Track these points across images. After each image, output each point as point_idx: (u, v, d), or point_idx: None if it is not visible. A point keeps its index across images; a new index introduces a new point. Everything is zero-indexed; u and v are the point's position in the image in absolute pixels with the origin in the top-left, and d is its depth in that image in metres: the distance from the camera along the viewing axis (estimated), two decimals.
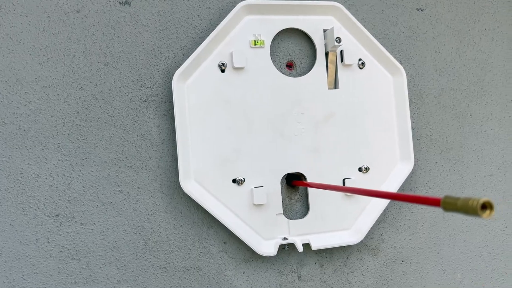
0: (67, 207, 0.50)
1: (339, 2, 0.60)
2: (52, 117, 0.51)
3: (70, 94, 0.51)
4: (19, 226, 0.49)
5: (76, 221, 0.51)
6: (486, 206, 0.26)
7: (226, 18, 0.54)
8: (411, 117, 0.63)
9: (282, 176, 0.56)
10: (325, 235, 0.57)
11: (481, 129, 0.66)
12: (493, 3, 0.68)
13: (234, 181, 0.54)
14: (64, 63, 0.51)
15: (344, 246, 0.59)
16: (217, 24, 0.55)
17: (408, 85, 0.63)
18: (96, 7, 0.52)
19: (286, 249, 0.56)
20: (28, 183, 0.49)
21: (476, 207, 0.25)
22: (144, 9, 0.54)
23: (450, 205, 0.27)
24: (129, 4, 0.53)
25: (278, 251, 0.55)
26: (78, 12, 0.52)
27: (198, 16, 0.56)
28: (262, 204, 0.55)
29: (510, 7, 0.68)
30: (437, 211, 0.63)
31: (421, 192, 0.63)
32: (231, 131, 0.55)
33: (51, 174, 0.50)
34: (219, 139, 0.54)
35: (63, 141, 0.51)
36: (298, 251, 0.55)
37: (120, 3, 0.53)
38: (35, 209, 0.50)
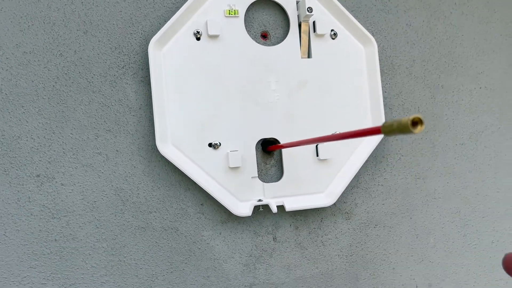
0: (47, 168, 0.52)
1: None
2: (32, 81, 0.53)
3: (50, 60, 0.53)
4: (0, 186, 0.51)
5: (56, 182, 0.53)
6: (417, 122, 0.28)
7: None
8: (383, 87, 0.65)
9: (257, 141, 0.58)
10: (299, 198, 0.59)
11: (452, 100, 0.68)
12: None
13: (210, 145, 0.57)
14: (44, 30, 0.53)
15: (318, 210, 0.61)
16: None
17: (380, 56, 0.65)
18: None
19: (261, 209, 0.58)
20: (9, 145, 0.51)
21: (407, 124, 0.27)
22: None
23: (388, 128, 0.29)
24: None
25: (253, 212, 0.57)
26: None
27: None
28: (237, 167, 0.57)
29: None
30: (409, 177, 0.65)
31: (394, 159, 0.65)
32: (207, 97, 0.57)
33: (32, 136, 0.52)
34: (195, 105, 0.56)
35: (44, 104, 0.53)
36: (273, 212, 0.57)
37: None
38: (17, 170, 0.51)
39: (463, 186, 0.68)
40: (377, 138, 0.62)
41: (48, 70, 0.53)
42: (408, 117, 0.28)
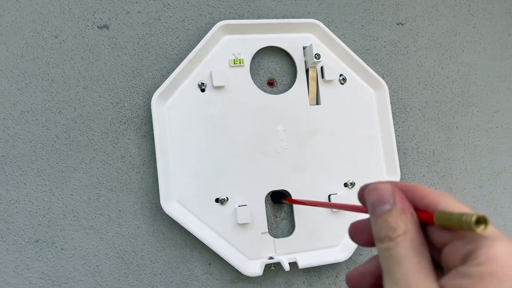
0: (47, 232, 0.50)
1: (318, 19, 0.60)
2: (31, 141, 0.50)
3: (49, 118, 0.51)
4: None
5: (56, 246, 0.50)
6: (481, 221, 0.24)
7: (204, 38, 0.54)
8: (396, 130, 0.62)
9: (266, 194, 0.55)
10: (312, 253, 0.56)
11: (468, 141, 0.66)
12: (473, 16, 0.68)
13: (217, 200, 0.54)
14: (42, 88, 0.51)
15: (332, 264, 0.58)
16: (196, 45, 0.55)
17: (392, 99, 0.63)
18: (74, 32, 0.53)
19: (273, 268, 0.55)
20: (6, 209, 0.49)
21: (471, 222, 0.24)
22: (122, 33, 0.54)
23: (444, 221, 0.26)
24: (107, 27, 0.54)
25: (264, 271, 0.54)
26: (56, 37, 0.52)
27: (177, 37, 0.56)
28: (246, 223, 0.54)
29: (490, 19, 0.69)
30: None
31: None
32: (213, 150, 0.54)
33: (30, 199, 0.50)
34: (200, 159, 0.54)
35: (43, 165, 0.50)
36: (285, 270, 0.54)
37: (98, 27, 0.54)
38: (14, 235, 0.49)
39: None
40: None
41: (47, 129, 0.51)
42: (468, 214, 0.24)
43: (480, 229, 0.24)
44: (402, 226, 0.23)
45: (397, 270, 0.23)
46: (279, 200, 0.57)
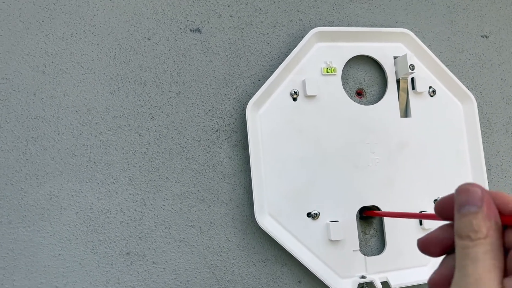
0: (138, 245, 0.47)
1: (406, 28, 0.58)
2: (123, 148, 0.48)
3: (141, 124, 0.49)
4: (88, 266, 0.46)
5: (147, 260, 0.47)
6: None
7: (298, 45, 0.52)
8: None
9: (357, 209, 0.53)
10: (403, 272, 0.54)
11: None
12: None
13: (308, 215, 0.51)
14: (135, 92, 0.49)
15: (422, 284, 0.55)
16: (287, 52, 0.53)
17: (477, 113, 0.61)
18: (167, 35, 0.51)
19: (365, 287, 0.53)
20: (98, 219, 0.46)
21: None
22: (214, 37, 0.52)
23: None
24: (199, 31, 0.52)
25: None
26: (149, 39, 0.50)
27: (268, 44, 0.54)
28: (338, 240, 0.52)
29: None
30: None
31: None
32: (304, 162, 0.52)
33: (122, 209, 0.47)
34: (292, 170, 0.52)
35: (134, 173, 0.48)
36: None
37: (191, 30, 0.51)
38: (105, 247, 0.46)
39: None
40: None
41: (139, 135, 0.49)
42: None
43: None
44: (484, 230, 0.25)
45: (470, 267, 0.24)
46: (368, 216, 0.55)
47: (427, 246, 0.31)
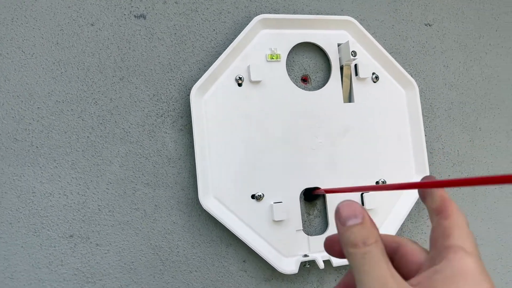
0: (81, 227, 0.48)
1: (351, 16, 0.60)
2: (65, 133, 0.48)
3: (84, 109, 0.49)
4: (31, 249, 0.46)
5: (91, 242, 0.48)
6: None
7: (243, 31, 0.53)
8: (424, 130, 0.63)
9: (301, 191, 0.55)
10: None
11: (490, 142, 0.67)
12: (496, 19, 0.69)
13: (253, 196, 0.53)
14: (78, 77, 0.49)
15: None
16: (232, 38, 0.54)
17: (420, 99, 0.63)
18: (111, 20, 0.51)
19: (307, 266, 0.55)
20: (40, 203, 0.47)
21: None
22: (159, 23, 0.53)
23: None
24: (144, 17, 0.52)
25: (298, 268, 0.53)
26: (92, 25, 0.50)
27: (214, 30, 0.55)
28: (281, 220, 0.53)
29: None
30: None
31: None
32: (249, 146, 0.53)
33: (65, 193, 0.48)
34: (236, 154, 0.53)
35: (78, 158, 0.49)
36: (319, 268, 0.54)
37: (135, 16, 0.52)
38: (48, 230, 0.47)
39: (504, 231, 0.66)
40: None
41: (82, 120, 0.49)
42: None
43: None
44: (374, 236, 0.27)
45: (374, 271, 0.26)
46: (312, 197, 0.56)
47: (330, 246, 0.33)
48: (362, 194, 0.57)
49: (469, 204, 0.64)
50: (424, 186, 0.31)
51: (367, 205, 0.57)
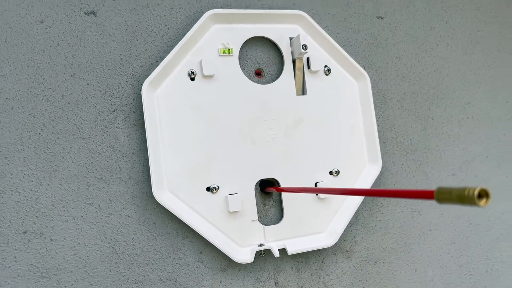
0: (35, 223, 0.48)
1: (303, 10, 0.61)
2: (17, 130, 0.49)
3: (35, 106, 0.50)
4: None
5: (45, 237, 0.49)
6: (482, 195, 0.25)
7: (193, 26, 0.54)
8: (377, 120, 0.65)
9: (255, 182, 0.56)
10: (300, 239, 0.57)
11: (442, 131, 0.69)
12: (446, 11, 0.71)
13: (208, 189, 0.54)
14: (28, 75, 0.50)
15: (319, 250, 0.59)
16: (185, 33, 0.55)
17: (372, 90, 0.65)
18: (61, 18, 0.51)
19: (263, 255, 0.56)
20: None
21: (473, 196, 0.25)
22: (110, 19, 0.53)
23: (444, 195, 0.27)
24: (94, 14, 0.53)
25: (254, 258, 0.54)
26: (41, 22, 0.51)
27: (166, 25, 0.56)
28: (237, 211, 0.55)
29: (461, 15, 0.72)
30: (406, 211, 0.65)
31: None
32: (203, 139, 0.55)
33: (17, 189, 0.48)
34: (191, 148, 0.54)
35: (29, 154, 0.49)
36: (274, 257, 0.55)
37: (85, 13, 0.52)
38: (1, 227, 0.47)
39: (456, 217, 0.68)
40: (374, 173, 0.61)
41: (34, 117, 0.49)
42: (470, 188, 0.26)
43: (483, 202, 0.25)
44: None
45: None
46: (267, 191, 0.58)
47: None
48: (316, 184, 0.59)
49: None
50: (362, 194, 0.33)
51: (321, 195, 0.58)
